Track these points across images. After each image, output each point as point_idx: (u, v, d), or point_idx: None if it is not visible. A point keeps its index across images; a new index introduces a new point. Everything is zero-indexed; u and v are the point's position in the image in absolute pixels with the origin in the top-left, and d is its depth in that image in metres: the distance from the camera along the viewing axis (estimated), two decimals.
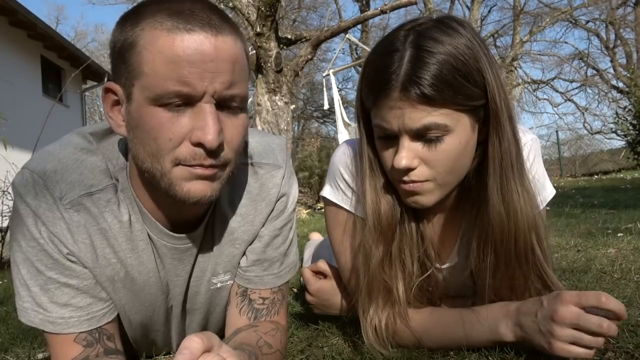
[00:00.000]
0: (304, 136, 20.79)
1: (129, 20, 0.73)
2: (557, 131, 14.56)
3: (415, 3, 7.47)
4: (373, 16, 8.26)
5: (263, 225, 0.97)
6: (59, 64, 10.90)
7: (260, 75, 6.48)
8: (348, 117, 8.59)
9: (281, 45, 6.76)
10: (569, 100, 21.65)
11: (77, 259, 0.82)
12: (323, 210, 1.19)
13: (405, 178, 0.90)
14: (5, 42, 8.96)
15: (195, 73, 0.69)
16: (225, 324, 1.02)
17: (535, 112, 23.53)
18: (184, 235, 0.89)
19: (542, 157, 1.08)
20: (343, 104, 9.65)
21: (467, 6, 20.35)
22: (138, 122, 0.73)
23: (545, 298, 0.85)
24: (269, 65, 6.32)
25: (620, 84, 18.98)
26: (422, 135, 0.86)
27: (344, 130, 8.31)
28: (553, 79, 21.55)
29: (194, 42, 0.69)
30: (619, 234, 2.26)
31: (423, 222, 1.03)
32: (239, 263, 0.98)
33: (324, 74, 9.38)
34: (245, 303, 0.98)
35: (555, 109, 22.29)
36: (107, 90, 0.77)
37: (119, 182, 0.85)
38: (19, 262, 0.81)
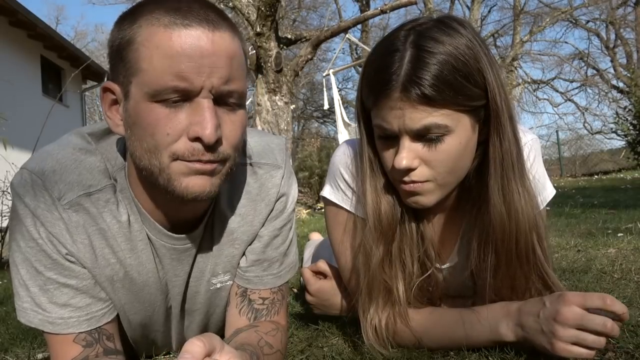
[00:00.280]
0: (304, 136, 20.79)
1: (126, 19, 0.74)
2: (557, 131, 14.58)
3: (415, 3, 7.47)
4: (373, 16, 8.27)
5: (262, 226, 0.97)
6: (59, 64, 10.90)
7: (260, 75, 6.48)
8: (348, 117, 8.59)
9: (281, 45, 6.76)
10: (569, 100, 21.67)
11: (76, 259, 0.82)
12: (323, 210, 1.19)
13: (406, 178, 0.90)
14: (5, 42, 8.96)
15: (193, 68, 0.69)
16: (225, 325, 1.02)
17: (535, 112, 23.56)
18: (183, 235, 0.89)
19: (542, 157, 1.08)
20: (343, 104, 9.65)
21: (467, 6, 20.37)
22: (136, 119, 0.73)
23: (548, 298, 0.84)
24: (269, 65, 6.32)
25: (621, 84, 18.99)
26: (422, 135, 0.85)
27: (344, 130, 8.31)
28: (553, 79, 21.57)
29: (191, 37, 0.69)
30: (619, 234, 2.26)
31: (423, 222, 1.03)
32: (239, 263, 0.98)
33: (324, 74, 9.39)
34: (245, 303, 0.98)
35: (555, 109, 22.32)
36: (105, 90, 0.77)
37: (118, 182, 0.85)
38: (18, 262, 0.81)
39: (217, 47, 0.71)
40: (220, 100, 0.74)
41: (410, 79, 0.82)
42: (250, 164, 0.95)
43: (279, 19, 7.63)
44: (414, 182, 0.89)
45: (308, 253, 1.91)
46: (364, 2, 19.80)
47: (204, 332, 0.77)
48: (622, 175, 8.73)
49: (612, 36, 20.01)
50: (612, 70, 20.15)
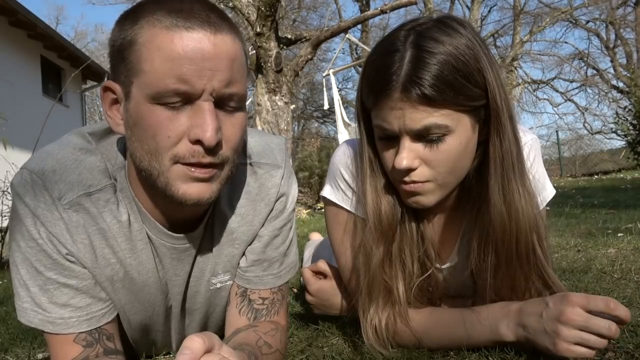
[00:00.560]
0: (304, 136, 20.79)
1: (128, 18, 0.74)
2: (557, 131, 14.59)
3: (415, 3, 7.47)
4: (373, 16, 8.27)
5: (262, 226, 0.97)
6: (59, 64, 10.90)
7: (260, 75, 6.48)
8: (348, 117, 8.59)
9: (281, 45, 6.76)
10: (569, 100, 21.67)
11: (76, 259, 0.82)
12: (323, 210, 1.19)
13: (406, 178, 0.90)
14: (5, 42, 8.96)
15: (194, 71, 0.69)
16: (224, 324, 1.02)
17: (535, 112, 23.56)
18: (183, 235, 0.89)
19: (542, 157, 1.08)
20: (343, 104, 9.65)
21: (467, 6, 20.37)
22: (137, 120, 0.73)
23: (551, 299, 0.85)
24: (269, 65, 6.32)
25: (621, 84, 18.99)
26: (422, 135, 0.85)
27: (344, 130, 8.31)
28: (553, 79, 21.58)
29: (192, 40, 0.69)
30: (619, 234, 2.26)
31: (423, 222, 1.03)
32: (239, 263, 0.98)
33: (324, 74, 9.39)
34: (245, 303, 0.98)
35: (555, 109, 22.33)
36: (106, 89, 0.77)
37: (118, 181, 0.85)
38: (18, 262, 0.81)
39: (219, 50, 0.71)
40: (221, 102, 0.74)
41: (411, 79, 0.82)
42: (250, 164, 0.95)
43: (279, 19, 7.63)
44: (414, 182, 0.89)
45: (308, 253, 1.91)
46: (364, 2, 19.81)
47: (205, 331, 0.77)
48: (622, 175, 8.73)
49: (612, 36, 20.04)
50: (612, 70, 20.19)
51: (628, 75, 14.83)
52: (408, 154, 0.87)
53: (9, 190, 4.21)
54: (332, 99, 8.83)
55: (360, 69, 1.05)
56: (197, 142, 0.72)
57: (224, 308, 1.02)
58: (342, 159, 1.06)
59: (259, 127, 6.44)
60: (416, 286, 1.00)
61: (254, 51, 6.30)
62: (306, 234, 2.82)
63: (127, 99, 0.74)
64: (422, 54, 0.82)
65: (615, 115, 11.10)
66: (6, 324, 1.74)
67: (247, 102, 0.82)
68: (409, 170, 0.88)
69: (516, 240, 0.90)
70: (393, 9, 7.03)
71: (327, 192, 1.09)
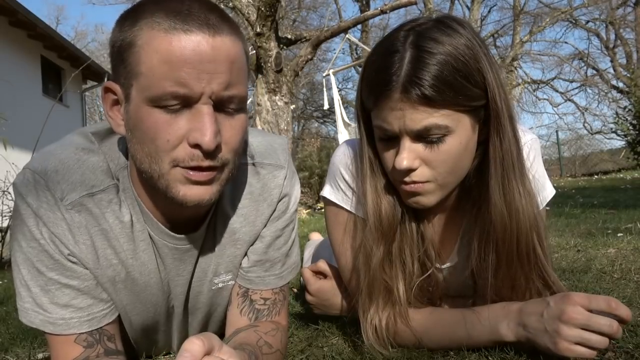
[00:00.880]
0: (304, 136, 20.78)
1: (127, 19, 0.73)
2: (557, 131, 14.59)
3: (415, 3, 7.47)
4: (373, 16, 8.27)
5: (265, 226, 0.97)
6: (59, 64, 10.90)
7: (260, 75, 6.48)
8: (348, 117, 8.59)
9: (281, 45, 6.76)
10: (569, 100, 21.67)
11: (78, 259, 0.82)
12: (323, 210, 1.19)
13: (406, 179, 0.90)
14: (5, 42, 8.96)
15: (193, 74, 0.69)
16: (225, 324, 1.02)
17: (535, 112, 23.59)
18: (185, 235, 0.89)
19: (542, 157, 1.08)
20: (343, 104, 9.65)
21: (467, 6, 20.36)
22: (136, 123, 0.73)
23: (552, 299, 0.85)
24: (269, 65, 6.32)
25: (620, 84, 18.99)
26: (423, 136, 0.86)
27: (344, 130, 8.31)
28: (553, 79, 21.58)
29: (191, 43, 0.69)
30: (619, 234, 2.26)
31: (423, 222, 1.03)
32: (241, 263, 0.98)
33: (324, 74, 9.38)
34: (246, 304, 0.98)
35: (555, 109, 22.33)
36: (107, 90, 0.77)
37: (120, 181, 0.85)
38: (20, 262, 0.81)
39: (217, 52, 0.70)
40: (221, 105, 0.73)
41: (410, 80, 0.82)
42: (253, 164, 0.95)
43: (279, 19, 7.63)
44: (414, 182, 0.90)
45: (308, 253, 1.91)
46: (364, 2, 19.80)
47: (205, 332, 0.77)
48: (622, 175, 8.73)
49: (612, 36, 20.03)
50: (612, 71, 20.19)
51: (628, 75, 14.85)
52: (408, 155, 0.87)
53: (9, 190, 4.22)
54: (332, 99, 8.83)
55: (360, 69, 1.05)
56: (196, 146, 0.72)
57: (226, 307, 1.02)
58: (342, 159, 1.06)
59: (259, 127, 6.44)
60: (416, 286, 1.00)
61: (254, 51, 6.30)
62: (306, 234, 2.82)
63: (127, 101, 0.74)
64: (421, 55, 0.82)
65: (615, 115, 11.11)
66: (6, 324, 1.74)
67: (247, 102, 0.82)
68: (409, 171, 0.89)
69: (516, 240, 0.91)
70: (393, 9, 7.03)
71: (327, 192, 1.09)
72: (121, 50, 0.73)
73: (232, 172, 0.79)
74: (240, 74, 0.74)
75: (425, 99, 0.82)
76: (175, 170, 0.74)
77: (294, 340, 1.19)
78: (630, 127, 10.27)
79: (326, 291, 1.18)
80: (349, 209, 1.05)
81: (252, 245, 0.97)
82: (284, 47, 7.26)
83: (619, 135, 11.11)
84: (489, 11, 22.84)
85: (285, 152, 1.00)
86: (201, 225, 0.90)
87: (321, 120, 22.91)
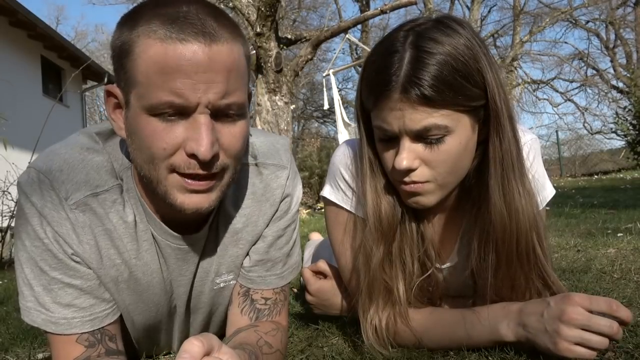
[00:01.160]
0: (304, 136, 20.78)
1: (126, 24, 0.73)
2: (557, 131, 14.60)
3: (415, 3, 7.47)
4: (373, 16, 8.27)
5: (267, 226, 0.97)
6: (59, 64, 10.90)
7: (260, 75, 6.48)
8: (348, 117, 8.58)
9: (281, 45, 6.76)
10: (569, 100, 21.68)
11: (81, 259, 0.82)
12: (323, 210, 1.19)
13: (406, 179, 0.90)
14: (5, 42, 8.96)
15: (188, 84, 0.69)
16: (226, 323, 1.02)
17: (535, 112, 23.58)
18: (188, 235, 0.89)
19: (542, 157, 1.08)
20: (343, 104, 9.64)
21: (467, 6, 20.36)
22: (135, 130, 0.73)
23: (552, 299, 0.85)
24: (269, 65, 6.32)
25: (620, 84, 18.99)
26: (422, 136, 0.86)
27: (344, 130, 8.30)
28: (553, 79, 21.58)
29: (186, 53, 0.68)
30: (618, 234, 2.26)
31: (423, 222, 1.03)
32: (242, 263, 0.98)
33: (324, 74, 9.37)
34: (247, 303, 0.98)
35: (555, 109, 22.33)
36: (109, 94, 0.78)
37: (124, 181, 0.85)
38: (23, 261, 0.81)
39: (214, 62, 0.70)
40: (219, 113, 0.73)
41: (410, 80, 0.82)
42: (256, 164, 0.96)
43: (279, 19, 7.63)
44: (414, 182, 0.90)
45: (308, 253, 1.91)
46: (364, 2, 19.79)
47: (206, 331, 0.77)
48: (621, 175, 8.73)
49: (612, 36, 20.03)
50: (611, 71, 20.20)
51: (628, 75, 14.85)
52: (408, 155, 0.87)
53: (9, 190, 4.22)
54: (332, 99, 8.82)
55: (360, 69, 1.05)
56: (193, 155, 0.72)
57: (227, 307, 1.03)
58: (342, 159, 1.06)
59: (259, 127, 6.44)
60: (416, 286, 1.00)
61: (254, 51, 6.30)
62: (306, 234, 2.82)
63: (127, 106, 0.75)
64: (421, 55, 0.82)
65: (615, 115, 11.11)
66: (6, 324, 1.74)
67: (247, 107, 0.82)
68: (409, 171, 0.89)
69: (516, 240, 0.91)
70: (393, 9, 7.03)
71: (327, 192, 1.09)
72: (121, 56, 0.73)
73: (232, 177, 0.79)
74: (238, 80, 0.74)
75: (424, 99, 0.82)
76: (172, 176, 0.74)
77: (294, 340, 1.19)
78: (630, 127, 10.28)
79: (326, 291, 1.18)
80: (349, 209, 1.05)
81: (254, 245, 0.97)
82: (284, 47, 7.26)
83: (619, 135, 11.12)
84: (489, 11, 22.86)
85: (288, 152, 1.00)
86: (204, 226, 0.91)
87: (321, 120, 22.92)
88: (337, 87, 9.90)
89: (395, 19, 17.32)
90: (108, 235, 0.83)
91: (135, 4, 0.76)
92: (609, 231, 2.38)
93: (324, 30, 7.33)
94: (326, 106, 9.22)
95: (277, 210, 0.97)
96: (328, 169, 1.11)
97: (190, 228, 0.89)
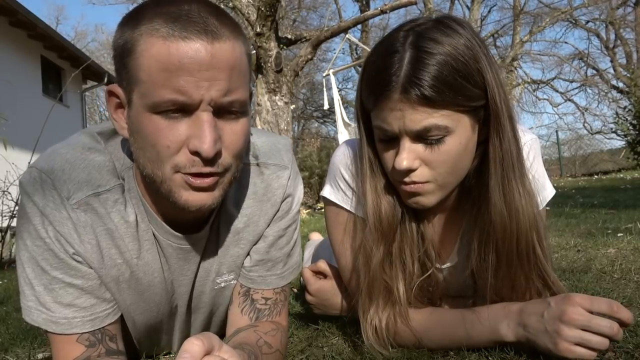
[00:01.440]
0: (304, 136, 20.79)
1: (128, 24, 0.73)
2: (557, 131, 14.62)
3: (415, 3, 7.47)
4: (373, 16, 8.27)
5: (268, 226, 0.97)
6: (59, 64, 10.90)
7: (260, 75, 6.48)
8: (348, 117, 8.58)
9: (281, 45, 6.76)
10: (569, 100, 21.68)
11: (82, 259, 0.82)
12: (323, 210, 1.19)
13: (406, 179, 0.90)
14: (5, 42, 8.96)
15: (191, 82, 0.69)
16: (226, 323, 1.02)
17: (535, 112, 23.59)
18: (189, 235, 0.89)
19: (542, 157, 1.08)
20: (343, 104, 9.64)
21: (467, 6, 20.37)
22: (137, 128, 0.73)
23: (553, 299, 0.85)
24: (269, 65, 6.32)
25: (620, 84, 19.00)
26: (422, 136, 0.86)
27: (344, 130, 8.30)
28: (553, 79, 21.58)
29: (189, 50, 0.69)
30: (619, 234, 2.26)
31: (423, 222, 1.03)
32: (243, 263, 0.99)
33: (324, 74, 9.37)
34: (247, 303, 0.98)
35: (555, 109, 22.33)
36: (111, 94, 0.78)
37: (126, 181, 0.85)
38: (24, 260, 0.81)
39: (216, 59, 0.70)
40: (221, 110, 0.73)
41: (410, 80, 0.82)
42: (257, 164, 0.96)
43: (279, 19, 7.64)
44: (414, 182, 0.90)
45: (308, 253, 1.91)
46: (364, 2, 19.79)
47: (206, 331, 0.77)
48: (621, 175, 8.73)
49: (612, 36, 20.04)
50: (612, 70, 20.20)
51: (628, 75, 14.86)
52: (408, 155, 0.87)
53: (9, 190, 4.23)
54: (332, 99, 8.82)
55: (360, 69, 1.05)
56: (196, 153, 0.72)
57: (227, 307, 1.03)
58: (342, 159, 1.06)
59: (259, 127, 6.44)
60: (416, 286, 1.00)
61: (254, 51, 6.30)
62: (306, 234, 2.82)
63: (129, 105, 0.75)
64: (421, 55, 0.82)
65: (615, 115, 11.12)
66: (6, 324, 1.74)
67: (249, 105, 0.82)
68: (409, 171, 0.89)
69: (516, 240, 0.91)
70: (393, 9, 7.03)
71: (327, 192, 1.09)
72: (122, 55, 0.73)
73: (234, 176, 0.80)
74: (240, 78, 0.74)
75: (424, 99, 0.82)
76: (176, 176, 0.74)
77: (294, 340, 1.19)
78: (630, 127, 10.28)
79: (326, 291, 1.18)
80: (349, 209, 1.05)
81: (254, 244, 0.97)
82: (284, 47, 7.27)
83: (619, 135, 11.13)
84: (489, 11, 22.88)
85: (289, 152, 1.01)
86: (205, 226, 0.91)
87: (321, 120, 22.92)
88: (337, 87, 9.90)
89: (395, 19, 17.34)
90: (109, 235, 0.83)
91: (135, 4, 0.76)
92: (609, 231, 2.38)
93: (324, 30, 7.33)
94: (326, 106, 9.22)
95: (278, 210, 0.97)
96: (328, 169, 1.11)
97: (191, 228, 0.89)
